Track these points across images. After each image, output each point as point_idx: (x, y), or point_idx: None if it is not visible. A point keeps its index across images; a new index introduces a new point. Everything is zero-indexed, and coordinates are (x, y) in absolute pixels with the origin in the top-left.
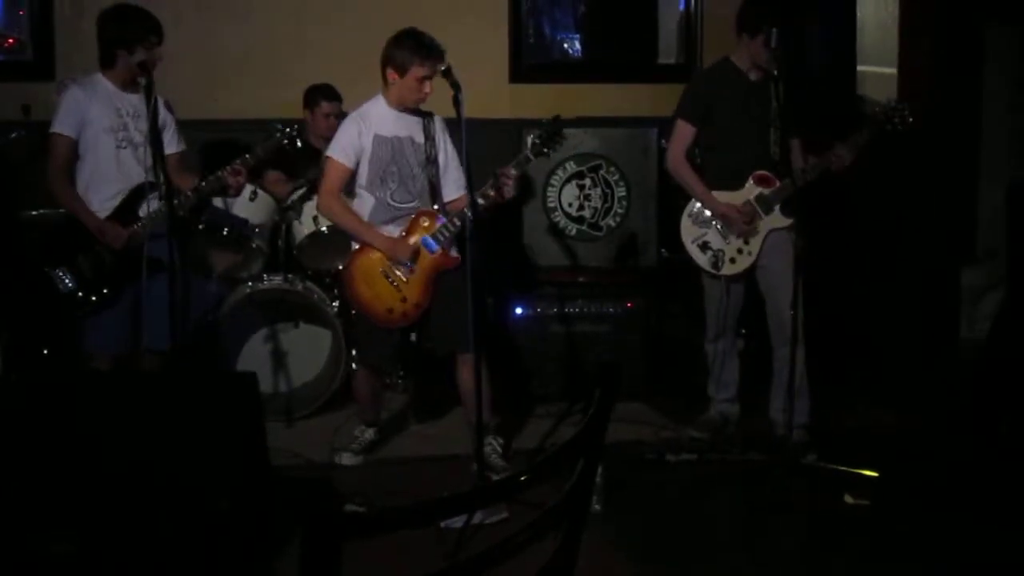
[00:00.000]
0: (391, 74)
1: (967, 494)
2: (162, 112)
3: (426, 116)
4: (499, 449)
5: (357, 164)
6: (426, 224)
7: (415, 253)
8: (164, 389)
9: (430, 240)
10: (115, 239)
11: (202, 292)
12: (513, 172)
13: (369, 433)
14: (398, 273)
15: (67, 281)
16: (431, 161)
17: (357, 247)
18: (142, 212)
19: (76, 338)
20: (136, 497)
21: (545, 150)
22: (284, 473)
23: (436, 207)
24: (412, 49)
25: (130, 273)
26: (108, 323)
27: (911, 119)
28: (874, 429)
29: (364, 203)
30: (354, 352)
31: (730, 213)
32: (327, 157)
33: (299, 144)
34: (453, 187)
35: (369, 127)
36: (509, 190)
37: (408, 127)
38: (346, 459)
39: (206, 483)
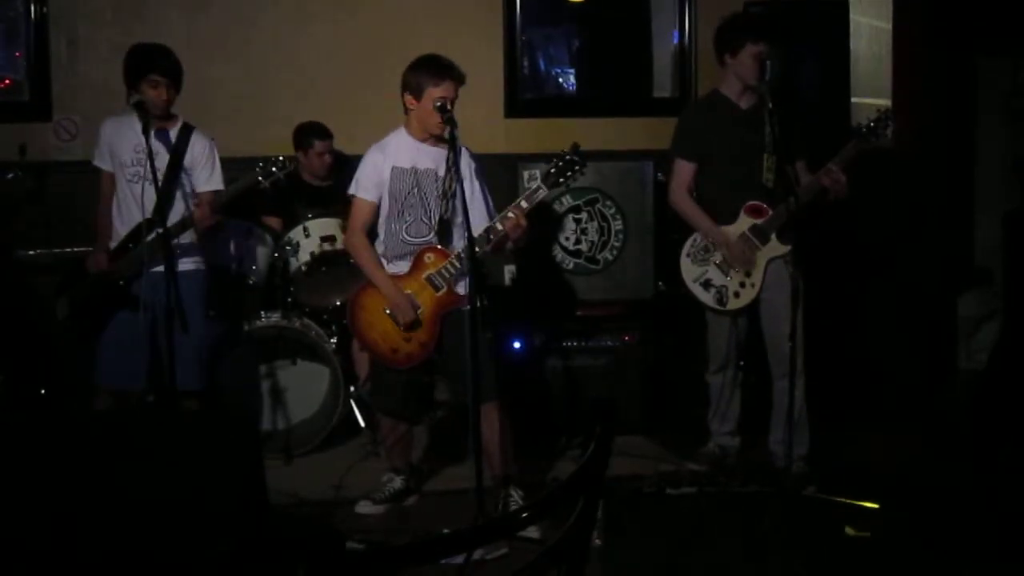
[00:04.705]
0: (409, 100)
1: (968, 525)
2: (197, 150)
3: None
4: (520, 502)
5: (380, 196)
6: (430, 261)
7: (414, 320)
8: (161, 428)
9: (435, 278)
10: (91, 263)
11: (217, 331)
12: (524, 205)
13: (397, 482)
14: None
15: (63, 310)
16: (449, 196)
17: (361, 285)
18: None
19: (75, 375)
20: (133, 540)
21: (561, 180)
22: (284, 511)
23: (454, 242)
24: (427, 71)
25: (112, 306)
26: (114, 358)
27: (892, 124)
28: (874, 461)
29: (380, 236)
30: (352, 389)
31: (733, 247)
32: (351, 195)
33: (279, 181)
34: (476, 223)
35: (387, 158)
36: (515, 229)
37: (431, 158)
38: (364, 507)
39: (205, 524)
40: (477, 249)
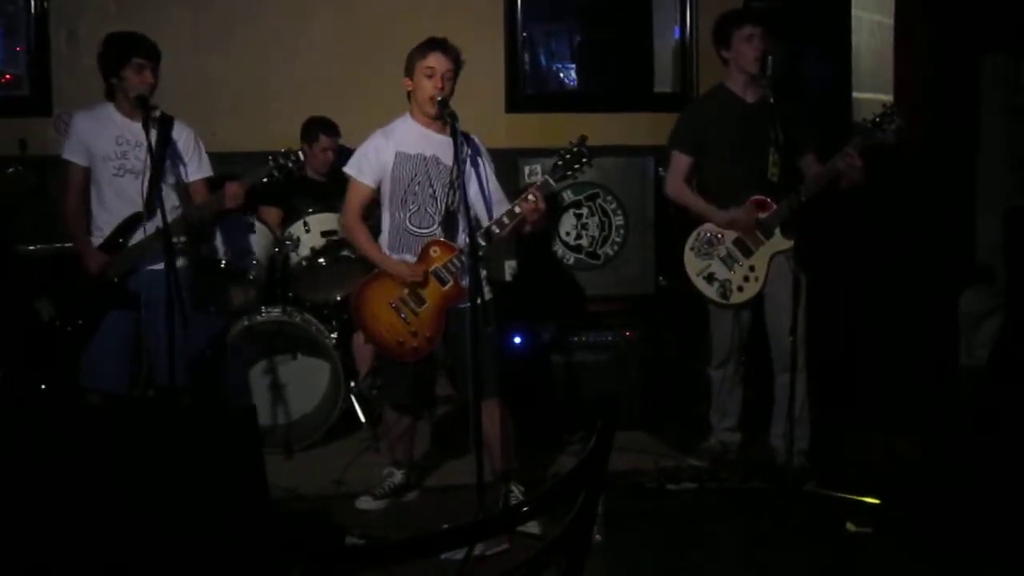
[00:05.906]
0: (407, 83)
1: (968, 521)
2: (183, 140)
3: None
4: (520, 497)
5: (380, 182)
6: (436, 254)
7: (425, 277)
8: (161, 424)
9: (441, 271)
10: (91, 264)
11: (204, 326)
12: (531, 198)
13: (397, 477)
14: (409, 306)
15: (48, 311)
16: (455, 186)
17: (365, 279)
18: (132, 243)
19: (74, 374)
20: (133, 536)
21: (569, 173)
22: (284, 506)
23: (461, 232)
24: (415, 49)
25: (108, 305)
26: (99, 359)
27: (897, 120)
28: (875, 456)
29: (383, 225)
30: (353, 384)
31: (736, 217)
32: (347, 174)
33: (292, 174)
34: (495, 212)
35: (391, 143)
36: (532, 212)
37: (436, 146)
38: (364, 503)
39: (205, 520)
40: (479, 242)
